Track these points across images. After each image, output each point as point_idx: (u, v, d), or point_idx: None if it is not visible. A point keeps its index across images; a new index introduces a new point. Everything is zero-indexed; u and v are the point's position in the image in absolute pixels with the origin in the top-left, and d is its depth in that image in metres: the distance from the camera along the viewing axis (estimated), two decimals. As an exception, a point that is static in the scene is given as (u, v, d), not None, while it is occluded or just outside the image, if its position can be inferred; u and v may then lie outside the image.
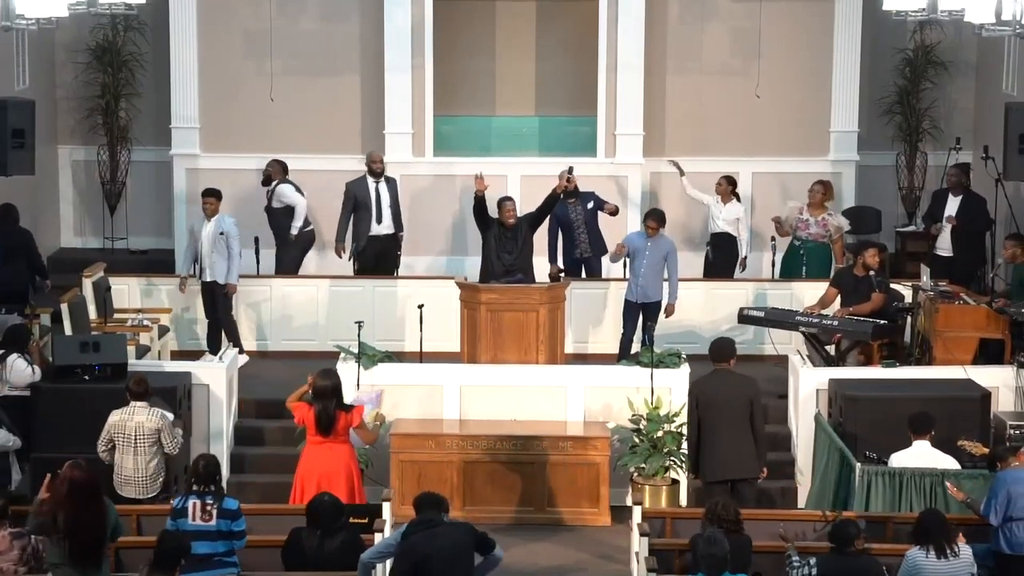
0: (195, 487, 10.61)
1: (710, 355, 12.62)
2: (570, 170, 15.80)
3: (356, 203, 16.88)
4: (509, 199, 15.25)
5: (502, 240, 14.92)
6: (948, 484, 11.61)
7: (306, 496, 11.70)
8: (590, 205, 16.56)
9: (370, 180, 16.90)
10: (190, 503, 10.51)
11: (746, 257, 17.24)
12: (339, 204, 18.16)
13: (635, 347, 15.21)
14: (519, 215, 15.07)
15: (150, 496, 12.14)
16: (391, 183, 17.08)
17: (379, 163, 17.00)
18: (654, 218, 15.51)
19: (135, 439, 12.11)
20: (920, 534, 10.30)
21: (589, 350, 16.21)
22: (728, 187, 17.15)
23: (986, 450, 12.21)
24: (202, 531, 10.45)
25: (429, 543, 9.84)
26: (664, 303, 15.43)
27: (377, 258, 16.94)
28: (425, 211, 18.28)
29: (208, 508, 10.49)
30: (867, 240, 16.49)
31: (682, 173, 17.33)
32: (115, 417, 12.17)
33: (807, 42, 18.53)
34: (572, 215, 16.55)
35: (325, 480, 11.78)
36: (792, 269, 16.68)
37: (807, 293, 16.05)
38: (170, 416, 12.30)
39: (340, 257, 17.07)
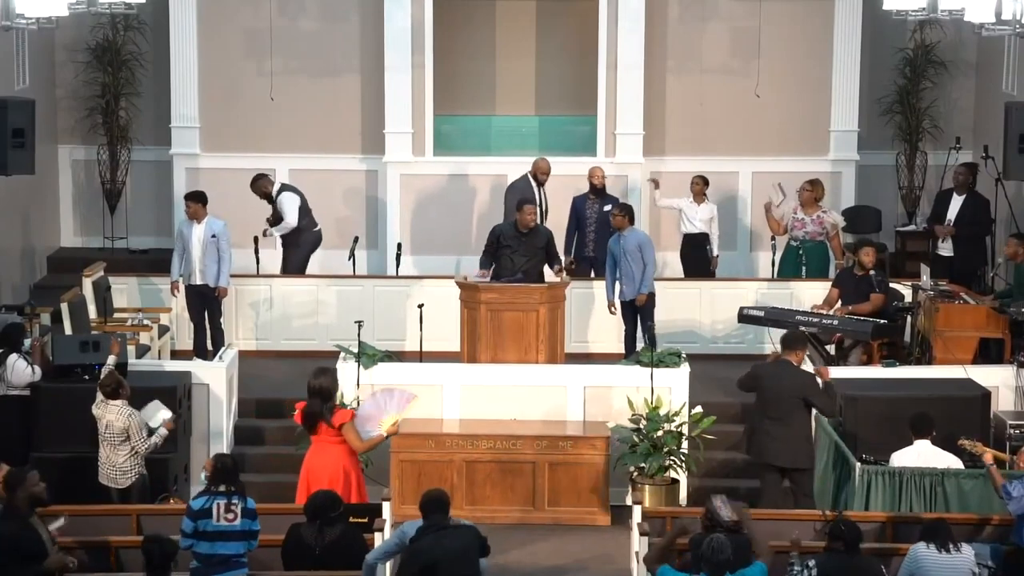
0: (220, 487, 10.51)
1: (780, 343, 12.99)
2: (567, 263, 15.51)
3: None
4: (531, 203, 15.17)
5: (518, 243, 14.84)
6: (987, 452, 11.61)
7: (299, 495, 11.73)
8: (607, 208, 16.58)
9: (534, 185, 16.77)
10: (214, 504, 10.45)
11: (717, 256, 17.27)
12: (338, 203, 18.23)
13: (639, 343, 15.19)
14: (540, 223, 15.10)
15: (121, 487, 12.23)
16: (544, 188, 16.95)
17: (544, 174, 16.79)
18: (617, 207, 15.59)
19: (105, 433, 12.25)
20: (926, 531, 10.39)
21: (589, 350, 16.21)
22: (703, 187, 17.18)
23: (987, 449, 12.20)
24: (225, 531, 10.38)
25: (436, 547, 9.85)
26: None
27: None
28: (425, 210, 18.29)
29: (233, 508, 10.43)
30: (865, 239, 16.50)
31: (657, 186, 17.34)
32: (93, 409, 12.33)
33: (807, 42, 18.54)
34: (588, 213, 16.61)
35: (311, 479, 11.75)
36: (791, 269, 16.69)
37: (807, 293, 16.07)
38: (137, 416, 12.26)
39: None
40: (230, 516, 10.41)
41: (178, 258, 15.57)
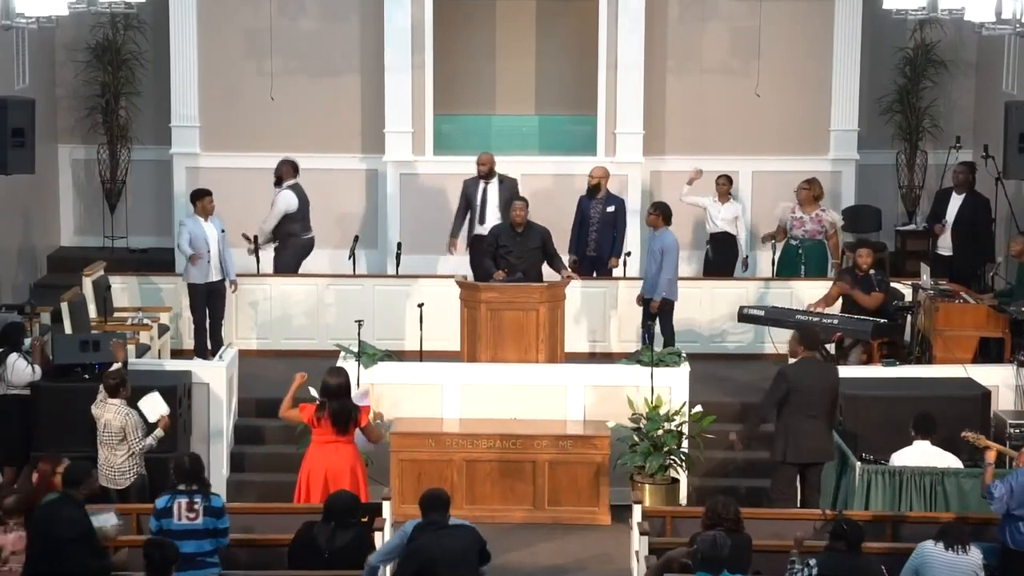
0: (181, 485, 10.58)
1: (803, 343, 12.77)
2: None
3: (467, 202, 16.65)
4: (522, 199, 15.22)
5: (514, 243, 14.89)
6: (991, 450, 11.61)
7: (311, 495, 11.71)
8: (610, 209, 16.56)
9: (480, 180, 16.72)
10: (175, 502, 10.50)
11: (748, 256, 17.29)
12: (338, 203, 18.23)
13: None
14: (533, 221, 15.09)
15: (120, 488, 12.23)
16: (506, 183, 16.71)
17: (483, 165, 16.65)
18: (652, 206, 15.57)
19: (103, 433, 12.26)
20: (941, 530, 10.44)
21: (597, 349, 16.20)
22: (728, 186, 17.20)
23: (989, 443, 12.19)
24: (188, 530, 10.43)
25: (435, 546, 9.85)
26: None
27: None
28: (425, 210, 18.29)
29: (195, 507, 10.47)
30: (863, 239, 16.51)
31: (691, 181, 17.26)
32: (92, 409, 12.35)
33: (807, 42, 18.54)
34: (591, 212, 16.60)
35: (331, 479, 11.76)
36: (790, 268, 16.69)
37: (807, 292, 16.06)
38: (134, 415, 12.26)
39: (451, 254, 16.95)
40: (191, 515, 10.46)
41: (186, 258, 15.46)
